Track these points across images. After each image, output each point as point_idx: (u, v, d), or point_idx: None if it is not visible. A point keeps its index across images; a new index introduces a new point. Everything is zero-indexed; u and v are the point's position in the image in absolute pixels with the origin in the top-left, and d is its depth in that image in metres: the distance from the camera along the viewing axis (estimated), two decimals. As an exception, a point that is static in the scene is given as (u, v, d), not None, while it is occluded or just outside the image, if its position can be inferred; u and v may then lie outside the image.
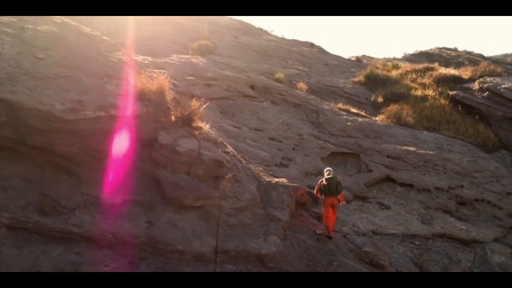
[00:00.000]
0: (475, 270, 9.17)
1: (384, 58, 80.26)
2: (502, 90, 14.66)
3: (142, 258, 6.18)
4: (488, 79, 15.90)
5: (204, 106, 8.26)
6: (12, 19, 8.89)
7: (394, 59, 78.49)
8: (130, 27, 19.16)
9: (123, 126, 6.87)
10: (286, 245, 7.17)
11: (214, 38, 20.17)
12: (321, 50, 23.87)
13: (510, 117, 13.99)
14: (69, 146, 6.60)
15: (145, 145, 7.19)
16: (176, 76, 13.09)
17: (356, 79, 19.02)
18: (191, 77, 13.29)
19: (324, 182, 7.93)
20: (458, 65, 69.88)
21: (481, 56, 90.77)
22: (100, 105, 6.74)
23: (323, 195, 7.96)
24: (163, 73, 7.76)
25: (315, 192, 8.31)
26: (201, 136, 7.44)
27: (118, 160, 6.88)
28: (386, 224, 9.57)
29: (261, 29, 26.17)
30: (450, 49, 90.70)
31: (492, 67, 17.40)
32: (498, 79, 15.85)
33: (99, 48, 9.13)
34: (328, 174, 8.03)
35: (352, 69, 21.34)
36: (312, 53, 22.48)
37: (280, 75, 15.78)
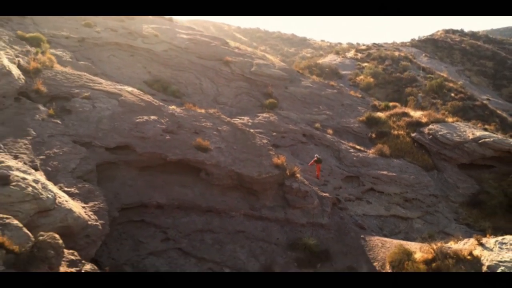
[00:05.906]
0: (407, 231, 20.94)
1: (393, 43, 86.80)
2: (438, 136, 25.67)
3: (284, 225, 18.00)
4: (433, 126, 26.64)
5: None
6: (213, 132, 20.63)
7: (401, 44, 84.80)
8: (228, 91, 30.43)
9: (274, 179, 18.64)
10: (329, 220, 18.96)
11: (274, 91, 31.26)
12: (339, 90, 34.89)
13: (440, 152, 25.06)
14: (257, 186, 18.33)
15: (279, 184, 18.90)
16: (267, 133, 24.50)
17: (360, 119, 30.01)
18: (274, 133, 24.66)
19: (316, 159, 20.29)
20: (460, 51, 77.40)
21: (486, 37, 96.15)
22: (266, 171, 18.36)
23: (316, 163, 20.25)
24: (281, 156, 19.49)
25: (311, 163, 20.70)
26: (299, 180, 19.20)
27: (272, 190, 18.72)
28: (369, 211, 21.22)
29: (299, 72, 37.24)
30: (456, 32, 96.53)
31: (439, 116, 28.38)
32: (439, 126, 26.79)
33: (249, 138, 20.82)
34: (317, 156, 20.50)
35: (359, 107, 32.39)
36: (333, 94, 33.46)
37: (317, 125, 27.08)
